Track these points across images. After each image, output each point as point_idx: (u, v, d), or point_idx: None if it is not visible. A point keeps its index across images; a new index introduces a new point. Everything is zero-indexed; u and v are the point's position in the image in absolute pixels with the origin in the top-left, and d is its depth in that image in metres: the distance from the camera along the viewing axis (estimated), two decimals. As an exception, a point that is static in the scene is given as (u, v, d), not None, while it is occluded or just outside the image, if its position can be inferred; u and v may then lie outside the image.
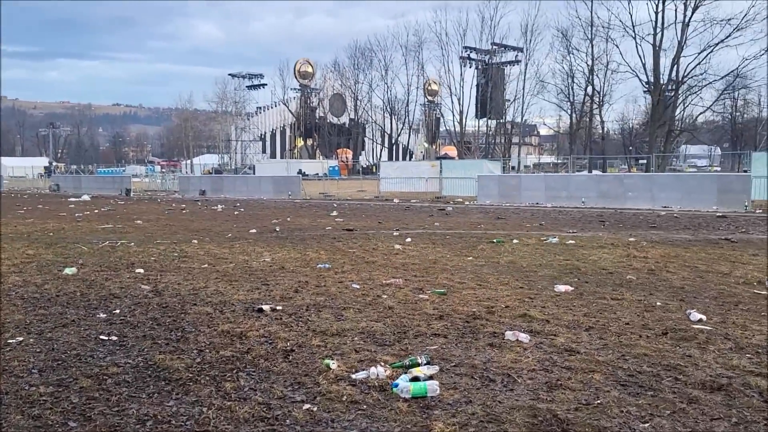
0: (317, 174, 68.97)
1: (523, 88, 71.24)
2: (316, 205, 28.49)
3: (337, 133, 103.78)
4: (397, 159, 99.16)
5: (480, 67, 78.63)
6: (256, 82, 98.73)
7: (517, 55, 75.27)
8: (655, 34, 46.01)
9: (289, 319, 6.59)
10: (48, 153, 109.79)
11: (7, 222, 18.45)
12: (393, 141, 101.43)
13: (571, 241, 13.31)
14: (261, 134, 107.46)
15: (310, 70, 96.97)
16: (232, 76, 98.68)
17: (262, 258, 11.11)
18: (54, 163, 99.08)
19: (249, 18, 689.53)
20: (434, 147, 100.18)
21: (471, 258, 11.11)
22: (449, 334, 5.96)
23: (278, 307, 7.10)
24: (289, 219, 20.02)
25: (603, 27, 51.23)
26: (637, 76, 49.19)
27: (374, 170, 77.01)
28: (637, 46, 47.74)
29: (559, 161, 76.09)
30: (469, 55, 77.10)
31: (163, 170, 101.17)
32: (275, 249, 12.35)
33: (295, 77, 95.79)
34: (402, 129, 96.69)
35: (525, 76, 71.01)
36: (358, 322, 6.41)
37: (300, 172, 61.44)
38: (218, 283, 8.68)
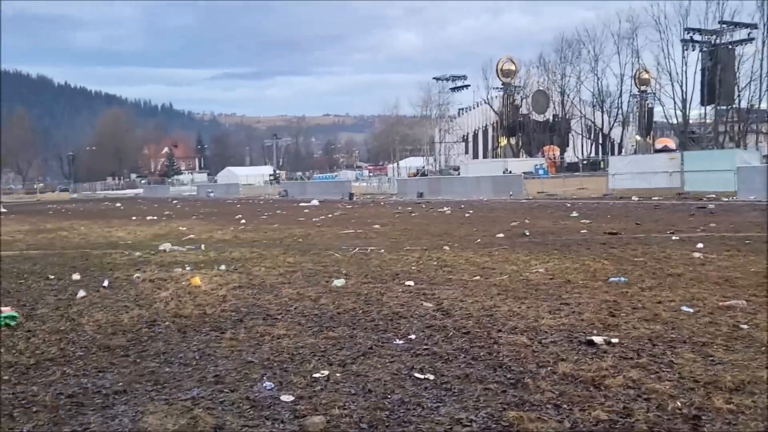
0: (523, 173, 66.40)
1: (761, 69, 61.92)
2: (545, 205, 26.48)
3: (541, 130, 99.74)
4: (605, 154, 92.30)
5: (705, 49, 69.94)
6: (459, 83, 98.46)
7: (750, 33, 65.73)
8: None
9: (641, 359, 5.00)
10: (272, 162, 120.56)
11: (256, 228, 19.23)
12: (605, 134, 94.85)
13: None
14: (464, 135, 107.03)
15: (512, 67, 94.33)
16: (437, 79, 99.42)
17: (534, 268, 9.64)
18: (277, 171, 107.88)
19: (446, 23, 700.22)
20: (647, 139, 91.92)
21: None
22: None
23: (613, 340, 5.54)
24: (527, 221, 18.39)
25: None
26: None
27: (581, 167, 72.54)
28: None
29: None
30: (692, 37, 69.04)
31: (371, 174, 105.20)
32: (541, 257, 10.82)
33: (498, 76, 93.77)
34: (614, 122, 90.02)
35: (764, 55, 61.64)
36: (745, 367, 4.61)
37: (506, 170, 59.44)
38: (506, 301, 7.37)
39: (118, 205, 42.85)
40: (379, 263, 10.84)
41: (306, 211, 27.02)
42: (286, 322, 6.75)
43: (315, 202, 33.14)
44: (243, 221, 21.95)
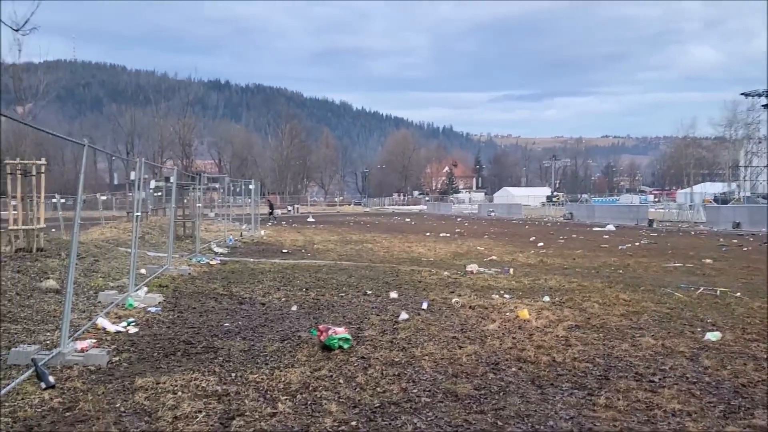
0: None
1: None
2: None
3: None
4: None
5: None
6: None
7: None
8: None
9: None
10: (549, 183, 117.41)
11: (559, 252, 17.66)
12: None
13: None
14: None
15: None
16: (745, 95, 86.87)
17: None
18: (555, 193, 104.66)
19: (751, 36, 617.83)
20: None
21: None
22: None
23: None
24: None
25: None
26: None
27: None
28: None
29: None
30: None
31: (656, 199, 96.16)
32: None
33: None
34: None
35: None
36: None
37: None
38: None
39: (408, 220, 44.80)
40: (746, 312, 8.48)
41: (605, 237, 24.56)
42: (671, 390, 5.11)
43: (610, 227, 30.28)
44: (540, 244, 20.53)
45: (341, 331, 6.58)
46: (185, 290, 10.35)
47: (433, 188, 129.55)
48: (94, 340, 6.56)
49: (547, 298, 9.43)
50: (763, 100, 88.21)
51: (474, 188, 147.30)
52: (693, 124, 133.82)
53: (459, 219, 46.22)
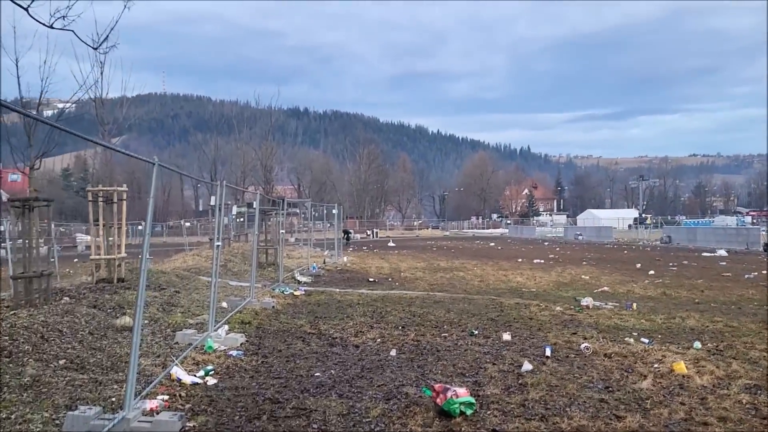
0: None
1: None
2: None
3: None
4: None
5: None
6: None
7: None
8: None
9: None
10: (637, 204, 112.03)
11: (678, 282, 15.62)
12: None
13: None
14: None
15: None
16: None
17: None
18: (643, 214, 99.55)
19: None
20: None
21: None
22: None
23: None
24: None
25: None
26: None
27: None
28: None
29: None
30: None
31: (754, 221, 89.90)
32: None
33: None
34: None
35: None
36: None
37: None
38: None
39: (492, 244, 42.94)
40: None
41: (722, 263, 22.02)
42: None
43: (722, 252, 27.50)
44: (651, 272, 18.46)
45: (463, 393, 5.24)
46: (269, 328, 9.31)
47: (513, 211, 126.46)
48: (167, 397, 5.54)
49: (698, 345, 7.75)
50: None
51: (555, 210, 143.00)
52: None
53: (546, 243, 43.91)
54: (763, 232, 37.90)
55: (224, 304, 10.99)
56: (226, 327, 8.79)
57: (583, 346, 7.69)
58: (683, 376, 6.34)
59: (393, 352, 7.63)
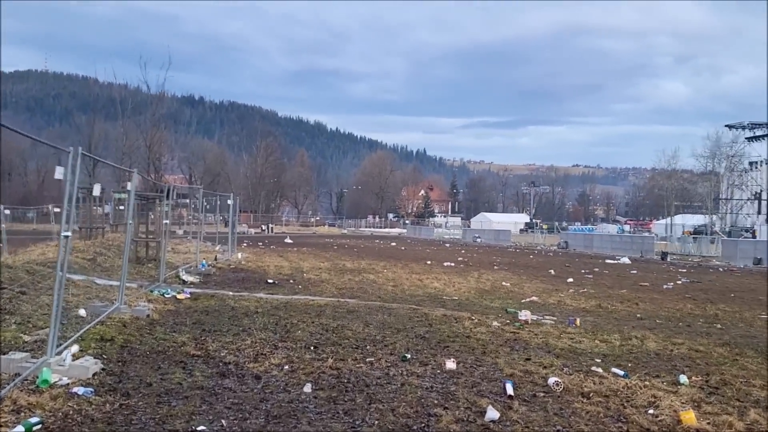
0: None
1: None
2: None
3: None
4: None
5: None
6: (760, 132, 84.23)
7: None
8: None
9: None
10: (527, 210, 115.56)
11: (604, 293, 14.63)
12: None
13: None
14: (756, 192, 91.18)
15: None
16: (729, 127, 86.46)
17: None
18: (533, 219, 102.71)
19: (720, 72, 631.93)
20: None
21: None
22: None
23: None
24: None
25: None
26: None
27: None
28: None
29: None
30: None
31: (632, 229, 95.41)
32: None
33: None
34: None
35: None
36: None
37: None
38: None
39: (393, 244, 41.59)
40: None
41: (632, 272, 21.60)
42: None
43: (626, 260, 27.52)
44: (570, 280, 17.53)
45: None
46: (139, 347, 7.02)
47: (409, 211, 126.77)
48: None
49: (685, 379, 6.34)
50: (747, 133, 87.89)
51: (450, 212, 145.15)
52: (675, 155, 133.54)
53: (448, 245, 43.18)
54: (657, 242, 39.11)
55: (82, 312, 8.52)
56: (76, 347, 6.43)
57: (551, 381, 6.05)
58: (692, 429, 4.84)
59: (307, 388, 5.65)
